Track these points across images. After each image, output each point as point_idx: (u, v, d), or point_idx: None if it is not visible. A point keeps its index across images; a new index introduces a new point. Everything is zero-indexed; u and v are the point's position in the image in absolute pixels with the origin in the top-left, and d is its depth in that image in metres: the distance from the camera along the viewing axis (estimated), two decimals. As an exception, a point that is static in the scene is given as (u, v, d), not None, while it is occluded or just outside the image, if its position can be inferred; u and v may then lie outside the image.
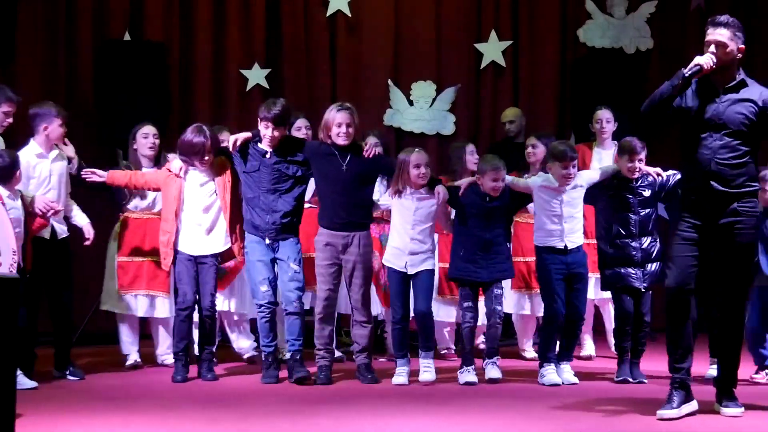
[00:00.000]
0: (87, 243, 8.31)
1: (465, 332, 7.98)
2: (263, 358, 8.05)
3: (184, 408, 6.94)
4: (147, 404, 7.11)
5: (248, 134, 8.07)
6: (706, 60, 6.45)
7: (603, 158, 9.14)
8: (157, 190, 8.26)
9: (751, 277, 6.96)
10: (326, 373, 7.92)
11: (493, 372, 7.91)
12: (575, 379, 7.93)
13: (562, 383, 7.85)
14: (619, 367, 8.03)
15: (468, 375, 7.87)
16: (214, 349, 8.23)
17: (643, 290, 7.98)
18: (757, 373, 7.95)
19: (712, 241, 6.56)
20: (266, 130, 7.93)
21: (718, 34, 6.51)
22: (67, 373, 8.11)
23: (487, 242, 7.94)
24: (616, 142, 9.15)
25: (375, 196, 8.23)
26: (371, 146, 8.08)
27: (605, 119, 9.33)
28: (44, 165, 8.12)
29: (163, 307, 8.67)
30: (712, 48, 6.48)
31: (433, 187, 7.94)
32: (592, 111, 9.49)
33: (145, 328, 9.03)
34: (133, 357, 8.71)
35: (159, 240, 8.19)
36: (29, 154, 8.06)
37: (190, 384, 7.95)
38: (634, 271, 7.95)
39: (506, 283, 8.49)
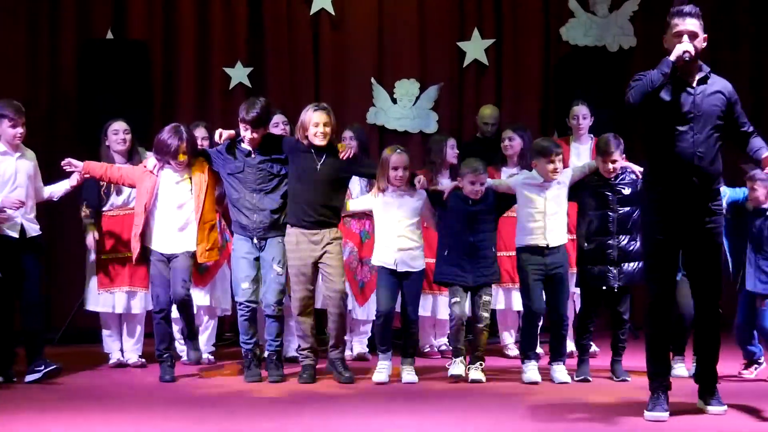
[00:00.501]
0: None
1: (452, 329, 7.99)
2: (244, 356, 8.06)
3: (169, 407, 6.93)
4: (133, 404, 7.10)
5: (232, 132, 8.07)
6: (690, 48, 6.34)
7: (581, 153, 9.20)
8: (132, 185, 8.23)
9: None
10: (310, 372, 7.91)
11: (476, 374, 7.89)
12: (568, 378, 7.93)
13: (538, 382, 7.85)
14: (578, 366, 8.04)
15: (456, 367, 7.90)
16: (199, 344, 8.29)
17: (616, 289, 7.98)
18: (745, 369, 7.98)
19: (687, 240, 6.50)
20: (245, 132, 7.94)
21: (690, 24, 6.43)
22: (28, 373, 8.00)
23: (472, 246, 7.94)
24: (592, 136, 9.20)
25: (354, 196, 8.26)
26: (348, 147, 8.07)
27: (581, 115, 9.38)
28: (9, 163, 8.05)
29: (139, 303, 8.66)
30: (686, 38, 6.37)
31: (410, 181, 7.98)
32: (597, 105, 9.60)
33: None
34: (116, 356, 8.70)
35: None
36: None
37: (176, 383, 7.94)
38: (609, 270, 7.96)
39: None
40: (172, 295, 8.01)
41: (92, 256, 8.65)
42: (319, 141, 7.89)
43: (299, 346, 8.08)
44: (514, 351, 9.13)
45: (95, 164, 8.28)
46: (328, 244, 7.91)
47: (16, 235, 7.99)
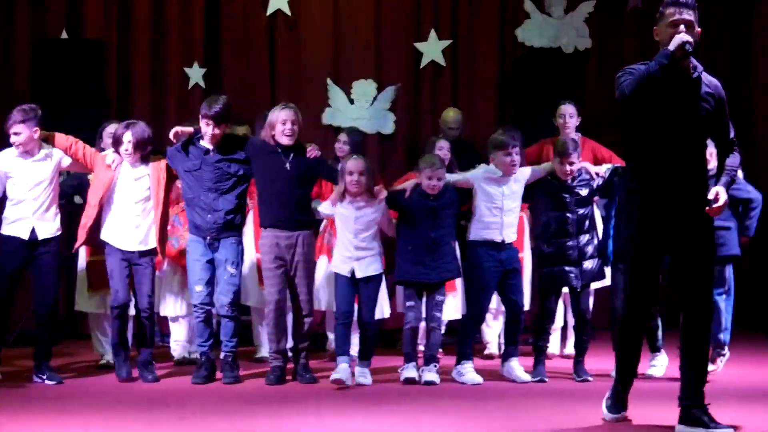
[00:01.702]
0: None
1: (406, 333, 7.98)
2: (198, 357, 8.05)
3: (124, 408, 6.90)
4: (89, 404, 7.07)
5: (190, 129, 8.04)
6: (690, 39, 5.90)
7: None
8: (90, 170, 8.14)
9: None
10: (277, 374, 7.90)
11: (429, 376, 7.88)
12: (527, 377, 7.95)
13: (479, 383, 7.89)
14: (535, 367, 8.04)
15: (409, 371, 7.89)
16: (152, 351, 8.19)
17: (578, 288, 8.03)
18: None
19: (676, 243, 6.09)
20: (207, 128, 7.91)
21: (687, 14, 5.98)
22: None
23: (433, 241, 7.94)
24: (580, 135, 9.21)
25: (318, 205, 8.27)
26: (314, 148, 8.06)
27: (568, 114, 9.36)
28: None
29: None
30: (682, 28, 5.93)
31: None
32: (546, 109, 9.57)
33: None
34: (107, 357, 8.65)
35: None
36: None
37: (132, 384, 7.90)
38: (570, 270, 8.00)
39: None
40: (136, 309, 8.03)
41: (82, 258, 8.61)
42: (287, 139, 7.87)
43: (270, 347, 8.02)
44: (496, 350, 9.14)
45: (62, 136, 8.13)
46: (302, 250, 7.89)
47: (25, 236, 7.92)
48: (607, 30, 11.87)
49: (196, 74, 11.07)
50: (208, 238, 7.94)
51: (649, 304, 6.33)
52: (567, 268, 8.00)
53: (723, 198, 5.94)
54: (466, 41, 11.66)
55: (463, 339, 8.13)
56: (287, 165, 7.89)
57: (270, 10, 11.27)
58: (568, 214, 8.01)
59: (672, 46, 5.88)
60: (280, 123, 7.89)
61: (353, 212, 7.95)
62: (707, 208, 5.96)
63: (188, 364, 8.58)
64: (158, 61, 11.14)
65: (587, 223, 8.05)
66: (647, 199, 6.06)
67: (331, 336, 9.11)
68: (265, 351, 8.73)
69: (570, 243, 8.00)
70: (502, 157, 7.95)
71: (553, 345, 9.21)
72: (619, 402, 6.38)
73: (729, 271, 8.38)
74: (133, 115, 10.04)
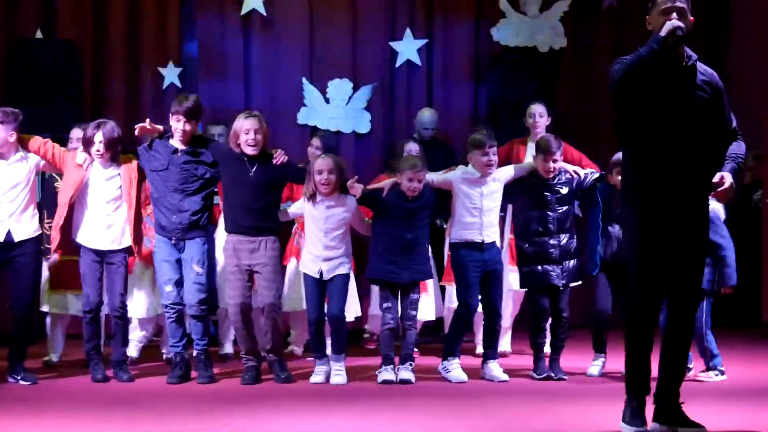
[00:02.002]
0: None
1: (384, 334, 7.97)
2: (172, 357, 8.03)
3: (99, 408, 6.87)
4: (62, 404, 7.04)
5: (159, 127, 8.02)
6: (682, 24, 5.72)
7: (536, 152, 9.23)
8: (61, 170, 8.08)
9: None
10: (252, 374, 7.89)
11: (405, 374, 7.88)
12: (505, 376, 7.95)
13: (464, 380, 7.89)
14: (536, 365, 8.08)
15: (386, 373, 7.89)
16: (126, 351, 8.19)
17: (561, 288, 8.06)
18: (704, 371, 7.97)
19: (673, 237, 5.85)
20: (177, 124, 7.89)
21: (679, 1, 5.80)
22: None
23: (408, 242, 7.93)
24: (543, 135, 9.22)
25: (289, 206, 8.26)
26: (280, 153, 8.04)
27: (538, 113, 9.36)
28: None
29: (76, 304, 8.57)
30: (675, 15, 5.75)
31: (343, 192, 7.95)
32: (521, 108, 9.55)
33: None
34: (53, 356, 8.65)
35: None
36: None
37: (107, 385, 7.86)
38: (552, 269, 8.02)
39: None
40: (109, 309, 7.99)
41: (51, 258, 8.57)
42: (250, 149, 7.84)
43: (242, 350, 8.01)
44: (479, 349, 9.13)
45: (36, 139, 8.08)
46: (266, 255, 7.87)
47: (0, 239, 7.88)
48: (582, 29, 11.90)
49: (171, 74, 11.05)
50: (174, 238, 7.92)
51: (658, 305, 5.97)
52: (549, 267, 8.02)
53: (729, 181, 5.81)
54: (442, 40, 11.67)
55: (452, 337, 8.13)
56: (251, 174, 7.86)
57: (245, 10, 11.26)
58: (549, 213, 8.02)
59: (663, 32, 5.71)
60: (244, 132, 7.85)
61: (324, 211, 7.94)
62: (712, 192, 5.84)
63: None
64: (133, 61, 11.11)
65: (568, 221, 8.08)
66: (648, 194, 5.84)
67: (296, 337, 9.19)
68: (228, 348, 8.96)
69: (552, 242, 8.02)
70: (479, 156, 7.96)
71: (504, 344, 9.20)
72: (638, 414, 5.93)
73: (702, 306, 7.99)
74: (107, 115, 10.03)
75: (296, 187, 8.61)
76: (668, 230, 5.83)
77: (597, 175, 8.19)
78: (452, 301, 8.79)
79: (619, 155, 7.89)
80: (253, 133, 7.83)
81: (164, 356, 8.86)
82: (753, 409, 6.60)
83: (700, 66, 5.92)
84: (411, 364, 7.95)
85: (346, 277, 8.04)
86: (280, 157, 7.96)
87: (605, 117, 11.75)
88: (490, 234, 8.05)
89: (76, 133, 8.47)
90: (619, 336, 7.90)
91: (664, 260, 5.85)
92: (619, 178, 7.86)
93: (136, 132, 7.97)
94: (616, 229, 8.02)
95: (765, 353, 9.44)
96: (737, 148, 5.98)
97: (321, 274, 7.92)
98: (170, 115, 7.95)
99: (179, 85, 11.00)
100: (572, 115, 11.70)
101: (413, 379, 7.87)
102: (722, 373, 7.91)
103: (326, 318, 8.02)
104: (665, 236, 5.83)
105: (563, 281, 8.05)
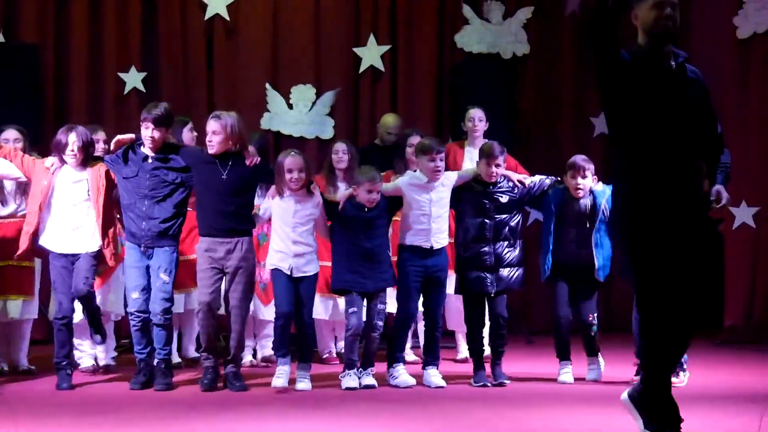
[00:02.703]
0: None
1: (348, 339, 7.98)
2: (137, 365, 7.99)
3: (59, 415, 6.84)
4: (24, 411, 6.98)
5: (131, 135, 7.99)
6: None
7: (474, 157, 9.21)
8: (28, 178, 8.04)
9: None
10: (211, 376, 7.87)
11: (368, 380, 7.91)
12: (443, 383, 7.96)
13: (409, 385, 7.92)
14: (475, 372, 8.09)
15: (349, 379, 7.88)
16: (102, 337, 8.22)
17: (492, 295, 8.06)
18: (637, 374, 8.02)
19: (672, 242, 5.50)
20: (146, 131, 7.87)
21: None
22: None
23: (368, 252, 7.94)
24: (487, 140, 9.27)
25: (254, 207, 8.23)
26: (253, 155, 8.04)
27: (477, 118, 9.44)
28: None
29: (16, 309, 8.51)
30: (669, 11, 5.46)
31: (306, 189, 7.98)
32: (493, 111, 9.69)
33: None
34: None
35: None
36: None
37: (67, 392, 7.82)
38: (485, 276, 8.04)
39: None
40: (74, 291, 7.89)
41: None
42: (211, 149, 7.86)
43: (200, 348, 7.99)
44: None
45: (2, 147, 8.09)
46: (241, 257, 7.85)
47: None
48: (545, 36, 11.95)
49: (133, 79, 10.99)
50: (143, 245, 7.89)
51: (678, 313, 5.51)
52: (482, 274, 8.03)
53: (725, 196, 5.65)
54: (405, 46, 11.69)
55: (394, 343, 8.13)
56: (224, 175, 7.86)
57: (208, 15, 11.23)
58: (487, 220, 8.04)
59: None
60: (209, 134, 7.89)
61: (292, 206, 7.95)
62: (710, 210, 5.58)
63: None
64: (95, 65, 11.04)
65: (507, 229, 8.09)
66: (643, 202, 5.49)
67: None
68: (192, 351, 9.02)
69: (486, 249, 8.03)
70: (426, 162, 7.98)
71: (464, 348, 9.14)
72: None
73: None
74: (69, 121, 9.96)
75: None
76: (667, 236, 5.47)
77: (549, 181, 8.23)
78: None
79: (574, 158, 8.00)
80: (211, 135, 7.86)
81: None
82: (714, 415, 6.63)
83: (688, 66, 5.62)
84: (373, 370, 7.96)
85: (314, 279, 8.05)
86: (252, 158, 7.96)
87: (568, 123, 11.82)
88: (440, 240, 8.08)
89: (12, 134, 8.46)
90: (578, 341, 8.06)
91: (671, 273, 5.46)
92: (574, 181, 7.96)
93: (113, 146, 7.94)
94: (571, 233, 8.08)
95: (726, 359, 9.48)
96: (724, 156, 5.81)
97: (290, 269, 7.91)
98: (140, 121, 7.95)
99: (142, 90, 10.95)
100: (534, 121, 11.74)
101: (376, 384, 7.88)
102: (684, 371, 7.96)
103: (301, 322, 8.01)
104: (671, 248, 5.46)
105: (495, 288, 8.05)
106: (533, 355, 9.13)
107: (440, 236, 8.07)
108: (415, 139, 8.96)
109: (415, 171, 8.18)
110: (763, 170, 10.79)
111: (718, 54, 11.04)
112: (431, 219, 8.00)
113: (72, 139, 7.86)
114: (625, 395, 5.69)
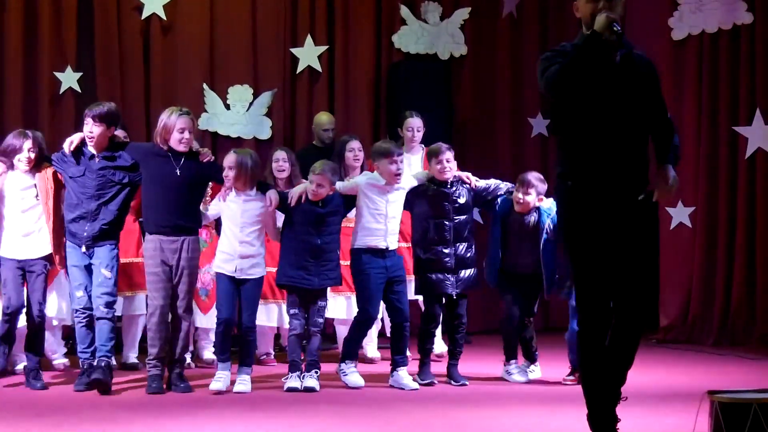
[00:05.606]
0: None
1: (291, 340, 7.97)
2: (80, 365, 7.91)
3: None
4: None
5: (82, 134, 7.91)
6: (615, 16, 5.33)
7: (412, 163, 9.26)
8: None
9: None
10: (158, 383, 7.79)
11: (310, 382, 7.87)
12: (415, 385, 7.95)
13: (361, 385, 7.95)
14: (421, 369, 8.11)
15: (292, 380, 7.86)
16: (40, 360, 8.07)
17: (454, 297, 8.09)
18: (569, 375, 8.07)
19: (617, 235, 5.50)
20: (86, 127, 7.82)
21: None
22: None
23: (318, 248, 7.93)
24: (423, 146, 9.31)
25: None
26: (207, 152, 8.00)
27: (416, 128, 9.50)
28: None
29: None
30: (603, 3, 5.39)
31: (262, 190, 7.94)
32: (429, 112, 9.72)
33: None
34: None
35: None
36: None
37: (8, 391, 7.79)
38: (446, 277, 8.06)
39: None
40: (31, 315, 7.90)
41: None
42: (183, 147, 7.81)
43: (150, 353, 7.88)
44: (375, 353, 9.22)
45: None
46: (186, 257, 7.80)
47: None
48: (482, 37, 12.00)
49: (69, 78, 10.88)
50: (83, 245, 7.83)
51: (608, 309, 5.53)
52: (443, 276, 8.06)
53: (672, 175, 5.51)
54: (343, 47, 11.68)
55: (350, 341, 8.13)
56: (177, 171, 7.81)
57: (145, 14, 11.15)
58: (446, 222, 8.07)
59: (597, 27, 5.30)
60: (177, 131, 7.79)
61: (240, 205, 7.92)
62: (658, 192, 5.50)
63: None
64: (30, 65, 10.91)
65: (465, 231, 8.13)
66: (582, 193, 5.49)
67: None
68: (133, 357, 8.90)
69: (447, 250, 8.06)
70: (387, 165, 7.99)
71: (439, 345, 9.14)
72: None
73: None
74: (4, 121, 9.90)
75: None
76: (610, 229, 5.47)
77: (504, 187, 8.26)
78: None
79: (526, 173, 8.02)
80: (187, 133, 7.81)
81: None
82: (648, 415, 6.67)
83: (636, 54, 5.58)
84: (317, 372, 7.94)
85: (259, 283, 8.02)
86: (207, 155, 7.94)
87: (505, 123, 11.89)
88: (393, 241, 8.10)
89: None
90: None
91: (608, 268, 5.47)
92: (517, 194, 8.00)
93: (66, 149, 7.86)
94: (516, 244, 8.14)
95: (662, 359, 9.57)
96: (674, 140, 5.71)
97: (235, 271, 7.88)
98: (83, 117, 7.90)
99: (78, 89, 10.85)
100: (471, 122, 11.79)
101: (318, 387, 7.86)
102: None
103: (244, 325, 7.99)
104: (608, 242, 5.47)
105: (457, 290, 8.09)
106: (473, 354, 9.13)
107: (394, 237, 8.09)
108: (355, 144, 8.97)
109: (350, 177, 8.19)
110: (698, 171, 10.88)
111: (653, 55, 11.06)
112: (387, 219, 8.02)
113: (27, 146, 7.82)
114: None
